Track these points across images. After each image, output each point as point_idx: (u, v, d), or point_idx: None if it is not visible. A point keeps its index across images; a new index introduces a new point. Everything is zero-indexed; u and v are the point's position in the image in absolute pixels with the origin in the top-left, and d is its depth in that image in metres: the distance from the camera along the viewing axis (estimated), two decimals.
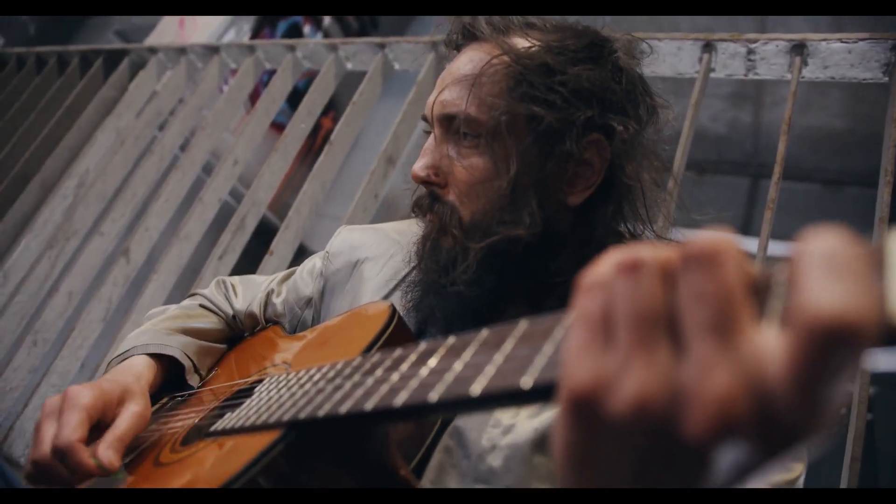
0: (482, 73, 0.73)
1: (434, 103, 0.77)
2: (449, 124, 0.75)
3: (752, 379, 0.24)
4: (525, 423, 0.61)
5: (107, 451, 0.68)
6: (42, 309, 1.77)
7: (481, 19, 0.79)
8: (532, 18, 0.80)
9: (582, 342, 0.28)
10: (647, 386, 0.26)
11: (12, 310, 1.82)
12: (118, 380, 0.77)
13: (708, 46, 1.33)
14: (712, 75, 1.36)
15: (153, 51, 2.25)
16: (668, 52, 1.36)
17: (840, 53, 1.21)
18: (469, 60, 0.76)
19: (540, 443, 0.60)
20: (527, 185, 0.72)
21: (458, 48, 0.82)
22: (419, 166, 0.76)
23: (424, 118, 0.80)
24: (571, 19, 0.82)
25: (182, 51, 2.18)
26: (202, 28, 2.98)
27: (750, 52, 1.29)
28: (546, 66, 0.72)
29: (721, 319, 0.25)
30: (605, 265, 0.29)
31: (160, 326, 0.92)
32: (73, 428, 0.68)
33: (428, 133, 0.80)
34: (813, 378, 0.23)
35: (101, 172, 2.02)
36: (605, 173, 0.74)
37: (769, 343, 0.24)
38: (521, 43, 0.75)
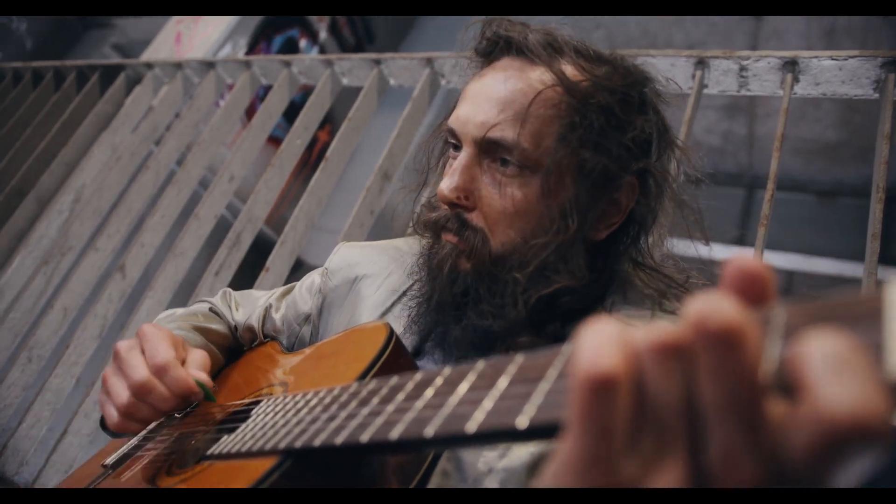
0: (534, 102, 0.69)
1: (469, 121, 0.72)
2: (490, 148, 0.71)
3: (774, 469, 0.24)
4: (521, 447, 0.61)
5: (199, 372, 0.72)
6: (37, 325, 1.77)
7: (531, 38, 0.74)
8: (575, 41, 0.75)
9: (592, 451, 0.26)
10: (674, 485, 0.26)
11: (6, 326, 1.81)
12: None
13: (701, 63, 1.34)
14: (705, 91, 1.37)
15: (149, 66, 2.26)
16: (661, 69, 1.37)
17: (831, 70, 1.22)
18: (516, 81, 0.72)
19: (536, 466, 0.60)
20: (575, 229, 0.70)
21: (487, 56, 0.78)
22: (449, 187, 0.71)
23: (452, 132, 0.75)
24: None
25: (178, 66, 2.18)
26: (198, 43, 2.99)
27: (742, 68, 1.31)
28: (608, 110, 0.70)
29: (742, 403, 0.25)
30: (608, 356, 0.26)
31: (177, 322, 0.93)
32: (165, 350, 0.71)
33: (452, 146, 0.76)
34: (830, 470, 0.24)
35: (97, 188, 2.02)
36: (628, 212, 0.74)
37: (786, 428, 0.24)
38: (568, 70, 0.72)
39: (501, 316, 0.70)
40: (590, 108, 0.70)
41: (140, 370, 0.70)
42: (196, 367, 0.74)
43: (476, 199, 0.72)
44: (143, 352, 0.73)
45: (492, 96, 0.72)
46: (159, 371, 0.70)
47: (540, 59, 0.72)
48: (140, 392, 0.69)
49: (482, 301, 0.71)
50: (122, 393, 0.71)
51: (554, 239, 0.69)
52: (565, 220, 0.70)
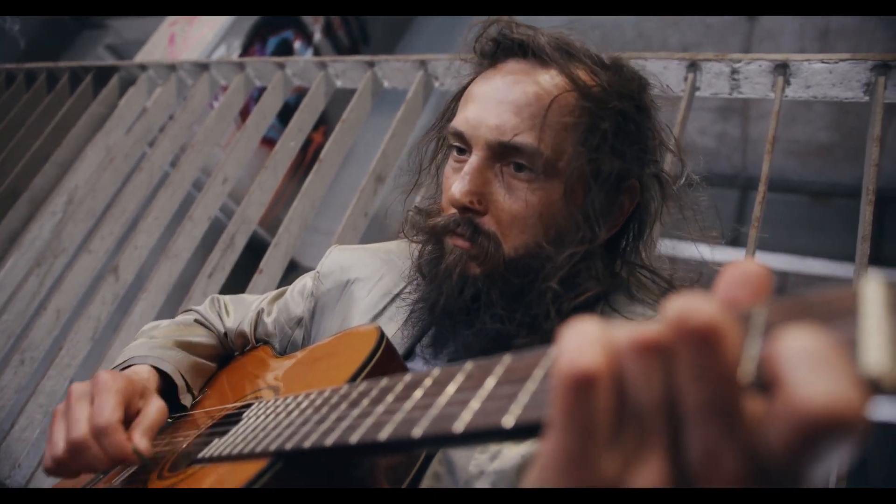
0: (551, 107, 0.69)
1: (482, 124, 0.71)
2: (505, 152, 0.70)
3: (753, 465, 0.25)
4: (512, 449, 0.61)
5: (142, 438, 0.69)
6: (29, 327, 1.76)
7: (542, 40, 0.73)
8: (582, 45, 0.76)
9: (574, 449, 0.26)
10: (655, 482, 0.26)
11: None
12: (136, 377, 0.79)
13: (693, 66, 1.35)
14: (697, 94, 1.37)
15: (143, 67, 2.26)
16: (653, 72, 1.38)
17: (822, 73, 1.23)
18: (528, 85, 0.71)
19: (526, 468, 0.60)
20: (597, 236, 0.70)
21: (491, 58, 0.77)
22: (461, 191, 0.70)
23: (459, 135, 0.73)
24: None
25: (172, 67, 2.18)
26: (192, 45, 2.99)
27: (734, 71, 1.31)
28: (622, 115, 0.71)
29: (722, 402, 0.25)
30: (588, 354, 0.27)
31: (157, 339, 0.92)
32: (111, 409, 0.68)
33: (456, 149, 0.75)
34: (809, 463, 0.24)
35: (91, 189, 2.02)
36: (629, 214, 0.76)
37: (764, 425, 0.25)
38: (581, 74, 0.72)
39: (508, 319, 0.70)
40: (605, 113, 0.70)
41: (80, 427, 0.68)
42: (143, 429, 0.70)
43: (488, 203, 0.71)
44: (92, 402, 0.70)
45: (504, 100, 0.71)
46: (98, 433, 0.67)
47: (554, 63, 0.72)
48: (74, 449, 0.67)
49: (494, 305, 0.70)
50: (59, 443, 0.68)
51: (581, 247, 0.70)
52: (591, 227, 0.70)
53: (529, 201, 0.70)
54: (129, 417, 0.72)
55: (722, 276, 0.28)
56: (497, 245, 0.70)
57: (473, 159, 0.71)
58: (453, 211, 0.72)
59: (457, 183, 0.71)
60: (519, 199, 0.70)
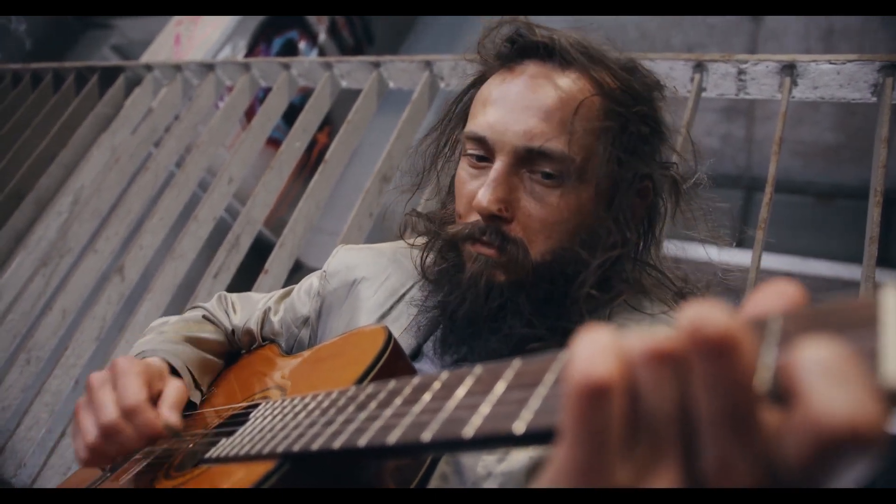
0: (578, 112, 0.68)
1: (508, 130, 0.69)
2: (532, 158, 0.69)
3: (768, 476, 0.24)
4: (520, 451, 0.61)
5: (171, 413, 0.70)
6: (35, 327, 1.76)
7: (564, 43, 0.71)
8: (602, 46, 0.75)
9: (586, 458, 0.26)
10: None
11: (5, 328, 1.81)
12: (152, 362, 0.80)
13: (699, 66, 1.35)
14: (704, 94, 1.37)
15: (149, 68, 2.26)
16: (660, 73, 1.37)
17: (829, 74, 1.22)
18: (552, 89, 0.70)
19: (535, 470, 0.60)
20: (628, 240, 0.71)
21: (506, 59, 0.75)
22: (490, 199, 0.68)
23: (480, 140, 0.71)
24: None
25: (178, 68, 2.18)
26: (198, 45, 2.99)
27: (741, 72, 1.31)
28: (646, 118, 0.71)
29: (736, 412, 0.25)
30: (602, 364, 0.26)
31: (167, 334, 0.92)
32: (136, 389, 0.69)
33: (475, 156, 0.73)
34: (825, 476, 0.24)
35: (96, 189, 2.02)
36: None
37: (780, 436, 0.24)
38: (604, 77, 0.72)
39: (534, 324, 0.70)
40: (630, 117, 0.70)
41: (109, 410, 0.68)
42: (169, 405, 0.71)
43: (515, 210, 0.70)
44: (115, 387, 0.71)
45: (530, 105, 0.69)
46: (128, 413, 0.68)
47: (577, 65, 0.71)
48: (108, 433, 0.68)
49: (522, 310, 0.70)
50: (90, 431, 0.69)
51: (614, 251, 0.70)
52: (621, 231, 0.70)
53: (559, 207, 0.69)
54: (150, 398, 0.73)
55: (755, 294, 0.28)
56: (525, 252, 0.70)
57: (499, 165, 0.69)
58: (476, 218, 0.71)
59: (483, 190, 0.69)
60: (547, 205, 0.69)
